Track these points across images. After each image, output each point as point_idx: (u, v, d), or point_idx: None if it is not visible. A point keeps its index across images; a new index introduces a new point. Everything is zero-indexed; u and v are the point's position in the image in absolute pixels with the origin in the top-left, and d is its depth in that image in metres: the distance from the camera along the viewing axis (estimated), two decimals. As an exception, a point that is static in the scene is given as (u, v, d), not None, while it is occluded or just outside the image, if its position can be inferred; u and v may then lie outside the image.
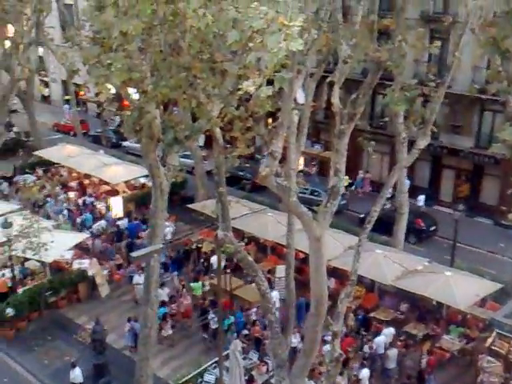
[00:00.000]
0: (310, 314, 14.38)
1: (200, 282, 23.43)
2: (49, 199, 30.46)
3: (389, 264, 21.13)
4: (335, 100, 12.28)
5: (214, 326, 20.31)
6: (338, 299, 14.68)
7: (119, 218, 28.18)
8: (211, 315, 20.62)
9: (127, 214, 28.83)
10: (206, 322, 21.19)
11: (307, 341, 14.95)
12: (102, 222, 28.05)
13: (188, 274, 24.95)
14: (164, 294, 22.03)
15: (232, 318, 20.85)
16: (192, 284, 23.40)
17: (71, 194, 31.51)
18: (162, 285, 22.50)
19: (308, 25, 10.53)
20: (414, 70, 27.48)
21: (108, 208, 29.14)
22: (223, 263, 23.45)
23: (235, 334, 19.95)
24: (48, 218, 27.78)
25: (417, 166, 30.43)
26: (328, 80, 13.11)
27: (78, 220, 28.60)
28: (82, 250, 25.83)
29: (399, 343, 19.61)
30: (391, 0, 15.02)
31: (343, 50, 11.90)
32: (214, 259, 24.59)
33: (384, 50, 13.15)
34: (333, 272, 21.26)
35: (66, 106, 48.34)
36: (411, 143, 21.05)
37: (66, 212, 29.12)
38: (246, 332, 20.40)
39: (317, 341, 14.71)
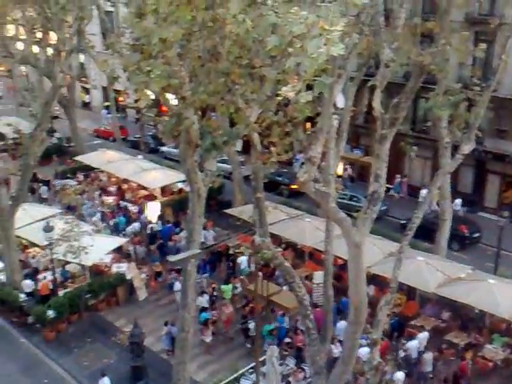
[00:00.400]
0: (349, 322, 14.17)
1: (230, 285, 23.42)
2: (86, 202, 31.00)
3: (431, 271, 20.72)
4: (376, 104, 12.05)
5: (254, 332, 20.16)
6: (377, 306, 14.42)
7: (150, 222, 28.52)
8: (251, 325, 20.48)
9: (160, 216, 29.15)
10: (246, 328, 21.09)
11: (346, 348, 14.74)
12: (136, 225, 28.42)
13: (220, 277, 25.01)
14: (204, 301, 22.11)
15: (272, 325, 20.70)
16: (222, 286, 23.43)
17: (110, 199, 31.95)
18: (203, 292, 22.58)
19: (349, 29, 10.36)
20: (458, 74, 26.89)
21: (141, 211, 29.53)
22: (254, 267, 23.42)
23: (276, 341, 19.80)
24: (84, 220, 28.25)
25: (460, 171, 29.78)
26: (369, 84, 12.89)
27: (111, 223, 29.01)
28: (122, 254, 26.05)
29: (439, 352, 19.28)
30: (434, 2, 14.59)
31: (385, 54, 11.67)
32: (240, 260, 24.67)
33: (427, 53, 12.85)
34: (372, 279, 20.92)
35: (105, 112, 49.14)
36: (455, 148, 20.59)
37: (99, 214, 29.57)
38: (288, 340, 20.18)
39: (355, 348, 14.50)
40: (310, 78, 8.75)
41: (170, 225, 28.48)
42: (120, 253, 26.01)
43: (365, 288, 13.61)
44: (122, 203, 31.39)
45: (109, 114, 47.95)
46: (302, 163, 34.95)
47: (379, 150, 12.30)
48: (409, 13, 14.37)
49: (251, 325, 20.36)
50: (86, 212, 29.95)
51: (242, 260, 24.70)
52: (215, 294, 23.13)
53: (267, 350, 17.72)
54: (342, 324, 19.82)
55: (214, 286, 23.57)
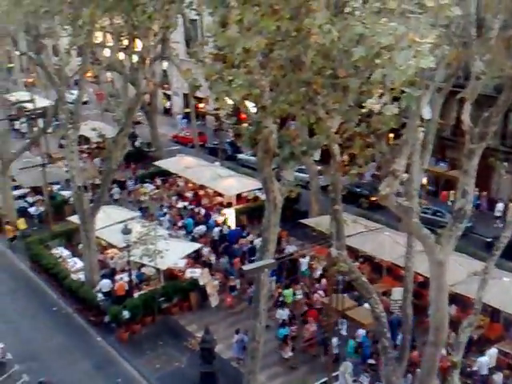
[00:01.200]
0: (429, 343, 13.67)
1: (291, 290, 23.16)
2: (156, 205, 31.74)
3: (517, 293, 19.63)
4: (466, 118, 11.55)
5: (335, 351, 19.26)
6: (458, 327, 13.82)
7: (217, 225, 28.94)
8: (334, 340, 19.65)
9: (224, 221, 29.54)
10: (325, 341, 20.65)
11: (424, 369, 14.23)
12: (202, 227, 28.84)
13: (287, 282, 24.75)
14: (285, 314, 21.90)
15: (352, 342, 20.23)
16: (284, 291, 23.28)
17: (185, 204, 32.42)
18: (284, 305, 22.43)
19: (439, 40, 9.95)
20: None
21: (208, 215, 30.05)
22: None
23: (360, 360, 19.38)
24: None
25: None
26: (458, 96, 12.37)
27: (179, 224, 29.51)
28: (199, 261, 26.28)
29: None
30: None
31: (476, 66, 11.16)
32: (301, 261, 24.44)
33: (521, 67, 12.20)
34: (454, 298, 20.04)
35: (179, 117, 50.06)
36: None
37: (168, 216, 30.20)
38: (372, 361, 19.45)
39: (434, 370, 13.95)
40: (397, 89, 8.47)
41: (238, 228, 28.87)
42: (198, 260, 26.14)
43: (446, 308, 13.07)
44: (189, 206, 31.85)
45: (183, 119, 48.88)
46: (373, 174, 33.90)
47: (467, 166, 11.80)
48: (502, 23, 13.64)
49: (333, 340, 19.33)
50: (156, 213, 30.66)
51: (303, 262, 24.32)
52: (280, 299, 22.98)
53: (340, 366, 17.29)
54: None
55: (279, 290, 23.45)
